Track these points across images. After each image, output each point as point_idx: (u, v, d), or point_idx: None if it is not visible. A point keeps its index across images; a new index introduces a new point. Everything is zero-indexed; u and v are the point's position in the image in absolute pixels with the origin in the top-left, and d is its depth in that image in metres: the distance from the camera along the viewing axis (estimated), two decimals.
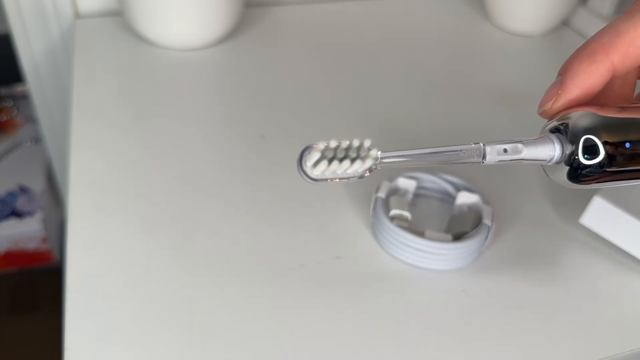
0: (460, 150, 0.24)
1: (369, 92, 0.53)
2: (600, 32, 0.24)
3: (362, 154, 0.24)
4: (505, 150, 0.24)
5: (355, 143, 0.24)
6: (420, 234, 0.35)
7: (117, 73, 0.52)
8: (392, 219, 0.36)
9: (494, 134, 0.48)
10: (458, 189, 0.39)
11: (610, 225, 0.37)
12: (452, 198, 0.40)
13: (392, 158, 0.25)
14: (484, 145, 0.24)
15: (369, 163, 0.24)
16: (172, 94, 0.50)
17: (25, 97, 1.07)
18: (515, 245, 0.38)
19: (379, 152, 0.24)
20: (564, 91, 0.24)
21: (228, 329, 0.31)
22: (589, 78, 0.23)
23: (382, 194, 0.37)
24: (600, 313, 0.34)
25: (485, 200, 0.38)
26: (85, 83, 0.50)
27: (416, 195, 0.41)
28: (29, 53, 0.62)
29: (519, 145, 0.24)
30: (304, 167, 0.24)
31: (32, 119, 1.05)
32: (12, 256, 0.96)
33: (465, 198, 0.39)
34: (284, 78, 0.54)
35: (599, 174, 0.24)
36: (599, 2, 0.63)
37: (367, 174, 0.24)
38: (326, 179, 0.24)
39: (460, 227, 0.37)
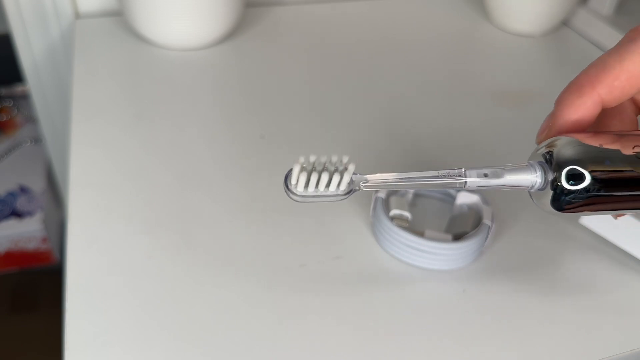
0: (442, 175, 0.25)
1: (368, 92, 0.53)
2: (590, 66, 0.25)
3: (344, 174, 0.25)
4: (485, 175, 0.25)
5: (336, 161, 0.25)
6: (420, 234, 0.35)
7: (117, 73, 0.52)
8: (392, 219, 0.36)
9: (494, 133, 0.48)
10: (458, 189, 0.39)
11: (609, 225, 0.37)
12: (452, 198, 0.40)
13: (374, 182, 0.25)
14: (465, 169, 0.25)
15: (347, 179, 0.25)
16: (172, 94, 0.50)
17: (25, 97, 1.07)
18: (515, 245, 0.38)
19: (363, 178, 0.25)
20: (554, 124, 0.25)
21: (228, 329, 0.31)
22: (577, 110, 0.24)
23: (382, 194, 0.37)
24: (600, 313, 0.34)
25: (485, 200, 0.38)
26: (85, 83, 0.50)
27: (416, 195, 0.41)
28: (29, 53, 0.62)
29: (500, 171, 0.25)
30: (289, 186, 0.25)
31: (32, 119, 1.05)
32: (12, 256, 0.96)
33: (465, 198, 0.39)
34: (284, 78, 0.54)
35: (581, 200, 0.24)
36: (599, 2, 0.63)
37: (350, 194, 0.25)
38: (311, 196, 0.25)
39: (460, 227, 0.37)
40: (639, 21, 0.62)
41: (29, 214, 0.94)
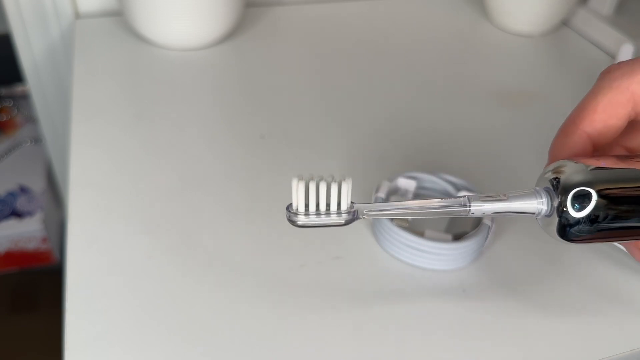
0: (446, 205, 0.25)
1: (368, 92, 0.53)
2: (572, 111, 0.27)
3: (341, 196, 0.25)
4: (489, 200, 0.25)
5: (331, 181, 0.25)
6: (420, 234, 0.35)
7: (117, 73, 0.52)
8: (392, 219, 0.36)
9: (494, 133, 0.48)
10: (458, 188, 0.39)
11: None
12: None
13: (376, 212, 0.25)
14: (468, 197, 0.25)
15: (346, 202, 0.25)
16: (172, 94, 0.50)
17: (25, 97, 1.07)
18: (515, 245, 0.38)
19: (365, 209, 0.25)
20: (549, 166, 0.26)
21: (228, 329, 0.31)
22: (569, 150, 0.26)
23: (382, 194, 0.37)
24: (601, 313, 0.34)
25: None
26: (85, 83, 0.50)
27: (416, 195, 0.41)
28: (29, 53, 0.62)
29: (504, 198, 0.25)
30: (291, 212, 0.25)
31: (32, 119, 1.05)
32: (12, 256, 0.96)
33: None
34: (284, 78, 0.54)
35: (591, 232, 0.24)
36: (599, 2, 0.63)
37: (352, 221, 0.25)
38: (312, 225, 0.25)
39: (460, 227, 0.37)
40: (639, 21, 0.62)
41: (29, 214, 0.94)
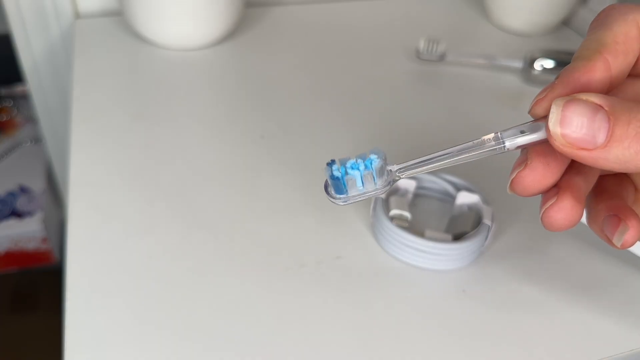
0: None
1: (368, 92, 0.53)
2: (584, 43, 0.24)
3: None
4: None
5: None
6: (420, 234, 0.35)
7: (117, 73, 0.52)
8: (392, 219, 0.36)
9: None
10: (458, 189, 0.39)
11: None
12: (452, 198, 0.40)
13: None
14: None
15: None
16: (172, 94, 0.50)
17: (25, 97, 1.07)
18: (515, 245, 0.38)
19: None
20: (558, 85, 0.23)
21: (228, 328, 0.31)
22: (591, 73, 0.22)
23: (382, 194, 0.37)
24: (600, 313, 0.34)
25: (485, 200, 0.38)
26: (85, 83, 0.50)
27: (416, 195, 0.41)
28: (29, 53, 0.62)
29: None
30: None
31: (32, 119, 1.05)
32: (12, 256, 0.96)
33: (465, 198, 0.39)
34: (284, 78, 0.54)
35: None
36: (599, 2, 0.63)
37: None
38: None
39: (460, 227, 0.37)
40: None
41: (29, 214, 0.94)
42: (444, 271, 0.36)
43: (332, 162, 0.24)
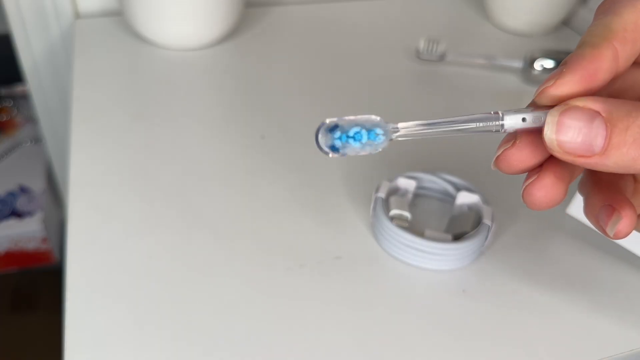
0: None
1: (368, 92, 0.53)
2: (590, 28, 0.24)
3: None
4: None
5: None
6: (420, 234, 0.35)
7: (117, 73, 0.52)
8: (392, 219, 0.36)
9: (495, 133, 0.48)
10: (458, 188, 0.39)
11: None
12: (452, 198, 0.40)
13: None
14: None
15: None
16: (172, 94, 0.50)
17: (25, 97, 1.07)
18: (515, 245, 0.38)
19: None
20: (565, 73, 0.22)
21: (228, 329, 0.31)
22: (598, 61, 0.22)
23: (382, 194, 0.37)
24: (600, 313, 0.34)
25: (485, 200, 0.38)
26: (85, 83, 0.50)
27: (416, 195, 0.41)
28: (29, 53, 0.62)
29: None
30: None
31: (32, 119, 1.05)
32: (12, 256, 0.96)
33: (465, 198, 0.39)
34: (284, 78, 0.54)
35: None
36: (599, 2, 0.63)
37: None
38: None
39: (460, 227, 0.37)
40: None
41: (29, 214, 0.94)
42: (444, 271, 0.36)
43: (335, 127, 0.23)
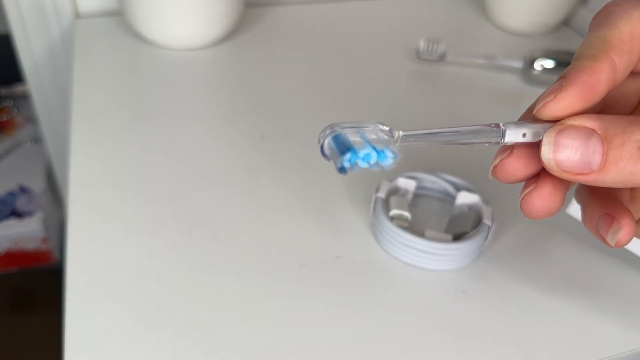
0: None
1: (369, 92, 0.53)
2: (586, 40, 0.23)
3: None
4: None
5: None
6: (420, 234, 0.35)
7: (117, 73, 0.52)
8: (392, 219, 0.36)
9: None
10: (458, 189, 0.39)
11: None
12: (452, 198, 0.40)
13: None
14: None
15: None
16: (172, 94, 0.50)
17: (25, 97, 1.07)
18: (515, 245, 0.38)
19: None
20: (564, 88, 0.22)
21: (228, 329, 0.31)
22: (597, 74, 0.22)
23: (382, 194, 0.37)
24: (600, 313, 0.34)
25: (485, 200, 0.38)
26: (85, 83, 0.50)
27: (416, 195, 0.41)
28: (29, 53, 0.63)
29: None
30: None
31: (32, 119, 1.05)
32: (12, 256, 0.96)
33: (465, 198, 0.39)
34: (284, 78, 0.54)
35: None
36: (599, 2, 0.63)
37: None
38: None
39: (460, 227, 0.37)
40: None
41: (29, 214, 0.94)
42: (444, 271, 0.36)
43: (346, 151, 0.22)
